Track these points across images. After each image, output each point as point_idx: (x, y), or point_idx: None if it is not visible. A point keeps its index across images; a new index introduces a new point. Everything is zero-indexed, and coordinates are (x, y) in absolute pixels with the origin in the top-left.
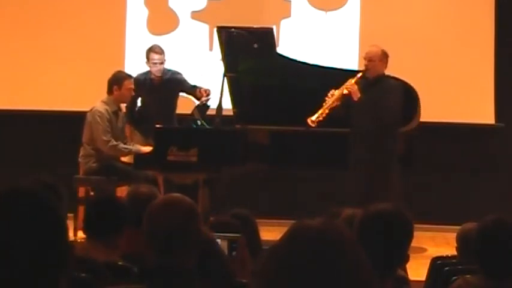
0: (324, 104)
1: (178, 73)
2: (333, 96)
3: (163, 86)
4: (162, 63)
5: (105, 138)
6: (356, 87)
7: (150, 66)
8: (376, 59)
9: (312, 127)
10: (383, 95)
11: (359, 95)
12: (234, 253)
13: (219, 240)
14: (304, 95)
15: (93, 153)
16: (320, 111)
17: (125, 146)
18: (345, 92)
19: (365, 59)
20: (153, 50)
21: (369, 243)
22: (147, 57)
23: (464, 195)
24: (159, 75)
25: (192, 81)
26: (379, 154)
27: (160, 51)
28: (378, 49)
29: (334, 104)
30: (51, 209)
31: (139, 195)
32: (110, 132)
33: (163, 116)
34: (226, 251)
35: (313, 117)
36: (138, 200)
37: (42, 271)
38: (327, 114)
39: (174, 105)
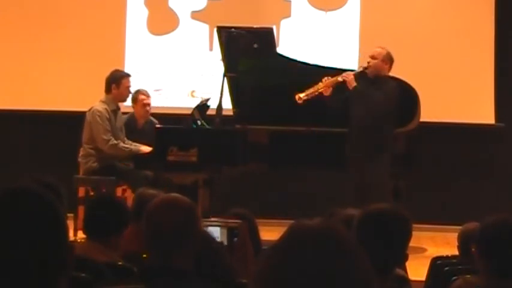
0: (315, 85)
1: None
2: (327, 80)
3: (147, 133)
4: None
5: (105, 137)
6: (352, 76)
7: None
8: (379, 58)
9: (299, 103)
10: (378, 93)
11: (354, 84)
12: (235, 239)
13: (219, 228)
14: None
15: (93, 153)
16: (310, 90)
17: (125, 145)
18: (340, 79)
19: (369, 56)
20: (142, 92)
21: (368, 242)
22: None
23: (464, 195)
24: (146, 119)
25: (192, 81)
26: (368, 151)
27: (148, 94)
28: (383, 50)
29: (326, 89)
30: (52, 208)
31: (146, 196)
32: (110, 131)
33: None
34: (226, 239)
35: (302, 94)
36: (145, 200)
37: (42, 271)
38: (316, 96)
39: None
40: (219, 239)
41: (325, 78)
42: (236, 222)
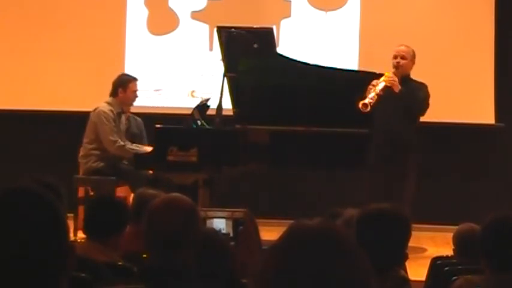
0: (372, 88)
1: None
2: (377, 84)
3: (135, 134)
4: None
5: (112, 138)
6: (397, 79)
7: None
8: (408, 57)
9: (366, 111)
10: (412, 92)
11: (400, 87)
12: (240, 227)
13: (224, 220)
14: (304, 95)
15: (93, 153)
16: (373, 94)
17: (132, 147)
18: (388, 84)
19: (397, 56)
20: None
21: (368, 242)
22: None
23: (464, 195)
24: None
25: (192, 81)
26: (405, 154)
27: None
28: (409, 48)
29: (380, 93)
30: (52, 208)
31: (146, 196)
32: (117, 132)
33: None
34: (231, 230)
35: (366, 100)
36: (145, 200)
37: (42, 271)
38: (375, 101)
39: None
40: (224, 231)
41: (374, 82)
42: (241, 212)
